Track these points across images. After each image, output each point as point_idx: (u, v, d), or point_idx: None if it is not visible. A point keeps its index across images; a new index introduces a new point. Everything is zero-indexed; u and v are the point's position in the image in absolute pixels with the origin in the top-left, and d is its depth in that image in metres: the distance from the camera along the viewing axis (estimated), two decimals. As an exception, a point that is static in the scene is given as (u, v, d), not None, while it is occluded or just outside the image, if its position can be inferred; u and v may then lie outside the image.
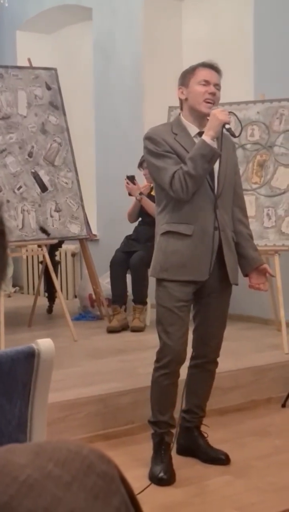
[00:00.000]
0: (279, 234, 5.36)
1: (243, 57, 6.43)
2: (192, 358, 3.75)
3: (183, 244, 3.49)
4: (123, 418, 4.19)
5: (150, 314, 6.38)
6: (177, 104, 5.86)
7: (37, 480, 0.67)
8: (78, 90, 8.35)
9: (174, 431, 3.66)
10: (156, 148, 3.48)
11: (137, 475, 3.44)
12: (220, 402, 4.45)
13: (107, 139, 7.80)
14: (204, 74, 3.49)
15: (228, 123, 3.41)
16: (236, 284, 3.65)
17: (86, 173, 7.38)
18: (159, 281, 3.58)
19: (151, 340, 5.68)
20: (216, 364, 3.80)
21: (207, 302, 3.63)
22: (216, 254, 3.50)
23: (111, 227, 7.50)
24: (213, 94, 3.47)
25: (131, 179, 6.29)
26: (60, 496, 0.66)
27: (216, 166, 3.51)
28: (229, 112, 3.49)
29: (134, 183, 6.30)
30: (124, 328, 6.17)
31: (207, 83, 3.47)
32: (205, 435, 3.82)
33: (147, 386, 4.28)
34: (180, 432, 3.77)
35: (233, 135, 3.46)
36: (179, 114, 3.62)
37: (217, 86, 3.52)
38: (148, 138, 3.53)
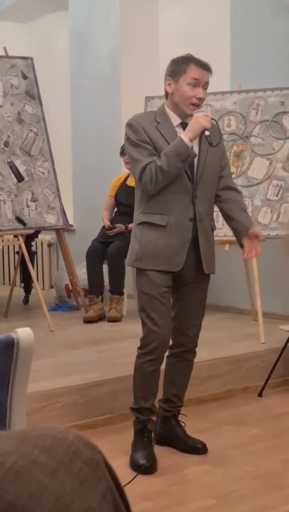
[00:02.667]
0: (255, 225, 5.36)
1: (219, 48, 6.43)
2: (170, 347, 3.74)
3: (157, 234, 3.52)
4: (100, 408, 4.19)
5: (127, 304, 6.38)
6: (154, 94, 5.89)
7: (23, 466, 0.66)
8: (54, 80, 8.32)
9: (154, 418, 3.68)
10: (134, 137, 3.47)
11: (116, 465, 3.42)
12: (197, 392, 4.46)
13: (83, 129, 7.77)
14: (195, 73, 3.46)
15: (208, 130, 3.42)
16: (212, 273, 3.69)
17: (63, 163, 7.35)
18: (138, 270, 3.61)
19: (128, 330, 5.70)
20: (194, 353, 3.81)
21: (184, 292, 3.66)
22: (191, 244, 3.53)
23: (88, 217, 7.48)
24: (201, 99, 3.48)
25: (111, 228, 6.30)
26: (46, 482, 0.66)
27: (196, 156, 3.52)
28: (212, 118, 3.51)
29: (115, 227, 6.30)
30: (101, 318, 6.16)
31: (197, 83, 3.45)
32: (183, 425, 3.82)
33: (125, 376, 4.30)
34: (158, 422, 3.77)
35: (210, 144, 3.44)
36: (164, 103, 3.60)
37: (207, 84, 3.52)
38: (128, 124, 3.52)
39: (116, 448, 3.73)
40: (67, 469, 0.70)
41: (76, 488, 0.69)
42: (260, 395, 4.73)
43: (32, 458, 0.69)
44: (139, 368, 3.64)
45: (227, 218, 3.72)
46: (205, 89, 3.52)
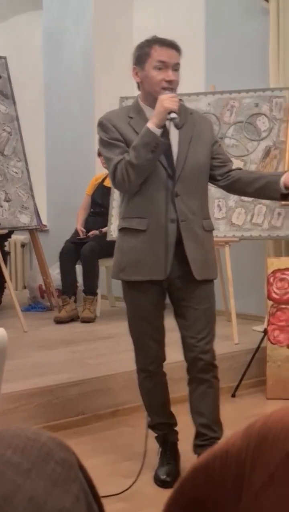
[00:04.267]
0: (229, 225, 5.39)
1: (194, 48, 6.43)
2: (187, 371, 3.40)
3: (137, 240, 3.21)
4: (73, 409, 4.18)
5: (101, 304, 6.38)
6: (128, 94, 5.88)
7: (-5, 467, 0.66)
8: (28, 79, 8.27)
9: (177, 428, 3.53)
10: (105, 136, 3.21)
11: (89, 466, 3.40)
12: (170, 393, 4.46)
13: (57, 128, 7.75)
14: (160, 54, 3.13)
15: (175, 111, 3.06)
16: (212, 278, 3.34)
17: (36, 162, 7.32)
18: (123, 283, 3.34)
19: (101, 330, 5.70)
20: (211, 372, 3.36)
21: (182, 305, 3.31)
22: (174, 249, 3.18)
23: (62, 217, 7.46)
24: (171, 81, 3.14)
25: (83, 238, 6.30)
26: (19, 483, 0.65)
27: (175, 149, 3.21)
28: (180, 99, 3.18)
29: (88, 236, 6.30)
30: (73, 319, 6.15)
31: (164, 65, 3.12)
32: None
33: (97, 376, 4.30)
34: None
35: (176, 126, 3.11)
36: (138, 97, 3.31)
37: (177, 65, 3.18)
38: (99, 124, 3.25)
39: (89, 449, 3.72)
40: (40, 469, 0.69)
41: (49, 488, 0.69)
42: (233, 395, 4.75)
43: (5, 458, 0.68)
44: (141, 385, 3.45)
45: (249, 183, 3.30)
46: (176, 70, 3.18)
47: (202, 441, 3.34)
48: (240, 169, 3.46)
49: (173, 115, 3.06)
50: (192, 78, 6.25)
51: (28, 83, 8.19)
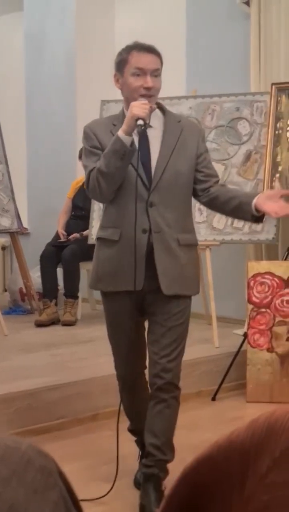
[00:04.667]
0: (210, 229, 5.40)
1: (175, 53, 6.44)
2: (149, 385, 3.25)
3: (112, 251, 3.13)
4: (54, 413, 4.17)
5: (82, 308, 6.37)
6: (110, 98, 5.89)
7: (-25, 475, 0.66)
8: (9, 82, 8.26)
9: None
10: (86, 144, 3.15)
11: (69, 471, 3.40)
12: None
13: (38, 131, 7.73)
14: (138, 60, 3.03)
15: (142, 118, 2.94)
16: (183, 294, 3.15)
17: (17, 165, 7.30)
18: (102, 294, 3.25)
19: (82, 334, 5.69)
20: (171, 392, 3.18)
21: (151, 319, 3.19)
22: (145, 260, 3.05)
23: (42, 220, 7.45)
24: (149, 88, 3.02)
25: (64, 241, 6.30)
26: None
27: (155, 157, 3.09)
28: (151, 106, 3.04)
29: (69, 240, 6.30)
30: (54, 322, 6.14)
31: (142, 71, 3.01)
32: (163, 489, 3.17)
33: (78, 380, 4.30)
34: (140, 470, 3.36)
35: (139, 134, 2.98)
36: (123, 105, 3.19)
37: (156, 71, 3.05)
38: (83, 132, 3.18)
39: (69, 453, 3.71)
40: (21, 477, 0.70)
41: (30, 496, 0.69)
42: (213, 399, 4.76)
43: (-16, 467, 0.68)
44: (120, 391, 3.31)
45: (225, 202, 3.16)
46: (156, 76, 3.05)
47: (150, 461, 3.19)
48: (222, 185, 3.33)
49: (140, 121, 2.94)
50: (174, 82, 6.26)
51: (9, 85, 8.19)
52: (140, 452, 3.47)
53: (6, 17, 8.47)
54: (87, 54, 7.30)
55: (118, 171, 2.99)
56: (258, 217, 3.10)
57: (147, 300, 3.14)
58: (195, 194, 3.24)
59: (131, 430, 3.46)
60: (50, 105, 7.54)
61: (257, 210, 3.04)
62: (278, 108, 5.22)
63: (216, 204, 3.22)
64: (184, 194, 3.16)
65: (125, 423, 3.42)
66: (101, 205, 3.43)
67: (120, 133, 2.97)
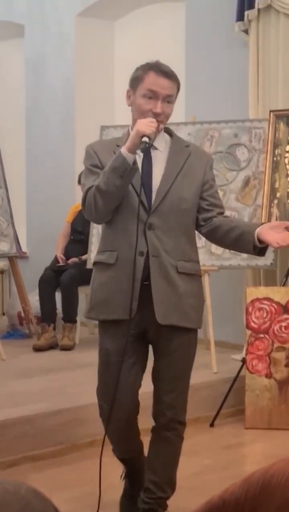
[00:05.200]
0: (208, 254, 5.41)
1: (174, 79, 6.49)
2: (153, 418, 3.13)
3: (107, 275, 2.95)
4: (51, 439, 4.15)
5: (80, 332, 6.36)
6: (109, 123, 5.92)
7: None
8: (8, 107, 8.31)
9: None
10: (86, 163, 3.01)
11: (66, 498, 3.41)
12: (148, 422, 4.45)
13: (37, 156, 7.76)
14: (153, 82, 2.88)
15: (148, 136, 2.79)
16: (183, 325, 2.97)
17: (17, 189, 7.33)
18: (99, 322, 3.08)
19: (80, 358, 5.68)
20: (175, 430, 3.07)
21: (155, 349, 3.04)
22: (140, 285, 2.89)
23: (41, 244, 7.46)
24: (158, 114, 2.88)
25: (63, 265, 6.30)
26: (-2, 536, 0.66)
27: (158, 179, 2.94)
28: (159, 125, 2.90)
29: (68, 264, 6.30)
30: (52, 346, 6.13)
31: (154, 95, 2.87)
32: None
33: (76, 406, 4.28)
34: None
35: (143, 151, 2.86)
36: (130, 125, 3.03)
37: (170, 98, 2.91)
38: (85, 151, 3.04)
39: (65, 480, 3.69)
40: (19, 522, 0.70)
41: None
42: (211, 425, 4.75)
43: (-17, 511, 0.69)
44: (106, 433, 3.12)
45: (227, 233, 3.00)
46: (168, 102, 2.91)
47: (149, 498, 3.10)
48: (226, 216, 3.14)
49: (144, 139, 2.79)
50: (173, 109, 6.31)
51: (9, 111, 8.24)
52: (124, 471, 3.32)
53: (7, 43, 8.53)
54: (86, 80, 7.35)
55: (117, 189, 2.83)
56: (260, 249, 2.95)
57: (150, 331, 2.97)
58: (197, 224, 3.07)
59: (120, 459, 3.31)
60: (49, 130, 7.58)
61: (259, 241, 2.90)
62: (276, 135, 5.26)
63: (217, 235, 3.04)
64: (186, 220, 2.99)
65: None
66: (100, 229, 3.29)
67: (123, 150, 2.82)
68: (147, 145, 2.81)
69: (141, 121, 2.83)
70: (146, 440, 3.18)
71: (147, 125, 2.81)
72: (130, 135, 2.84)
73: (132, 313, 2.89)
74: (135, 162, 2.83)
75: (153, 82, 2.88)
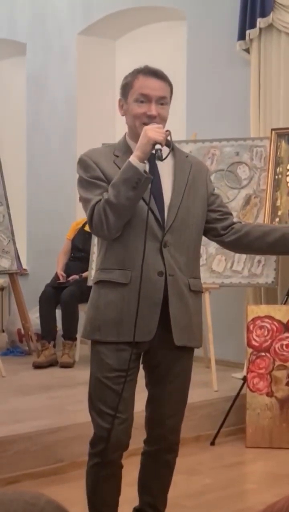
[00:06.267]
0: (209, 272, 5.41)
1: (176, 97, 6.44)
2: (145, 442, 3.00)
3: (118, 295, 2.76)
4: (52, 457, 4.13)
5: (80, 349, 6.35)
6: (110, 141, 5.94)
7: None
8: (10, 124, 8.34)
9: None
10: (85, 174, 2.79)
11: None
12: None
13: (38, 173, 7.78)
14: (142, 85, 2.77)
15: (160, 143, 2.67)
16: (195, 347, 2.92)
17: (17, 206, 7.33)
18: (93, 343, 2.86)
19: (80, 376, 5.65)
20: (174, 452, 3.01)
21: (157, 372, 2.89)
22: (160, 306, 2.76)
23: (42, 261, 7.46)
24: (153, 116, 2.75)
25: (63, 282, 6.30)
26: None
27: (168, 193, 2.82)
28: (167, 130, 2.77)
29: (68, 281, 6.30)
30: (51, 364, 6.11)
31: (147, 98, 2.76)
32: None
33: (77, 423, 4.26)
34: None
35: (159, 158, 2.68)
36: (125, 134, 2.91)
37: (163, 99, 2.78)
38: (79, 161, 2.84)
39: (65, 498, 3.64)
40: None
41: None
42: (212, 443, 4.72)
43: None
44: (89, 472, 2.92)
45: (261, 237, 2.91)
46: (162, 104, 2.78)
47: None
48: (240, 222, 3.06)
49: (158, 146, 2.66)
50: (174, 126, 6.31)
51: (10, 128, 8.26)
52: None
53: (10, 61, 8.57)
54: (88, 98, 7.38)
55: (130, 202, 2.67)
56: None
57: (152, 350, 2.84)
58: (216, 235, 2.96)
59: None
60: (51, 147, 7.60)
61: None
62: (278, 153, 5.27)
63: (246, 241, 2.93)
64: (194, 236, 2.88)
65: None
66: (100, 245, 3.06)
67: (133, 159, 2.67)
68: (159, 151, 2.67)
69: (149, 128, 2.68)
70: (132, 461, 3.09)
71: (157, 131, 2.67)
72: (139, 143, 2.69)
73: (149, 336, 2.76)
74: (146, 172, 2.69)
75: (143, 85, 2.77)
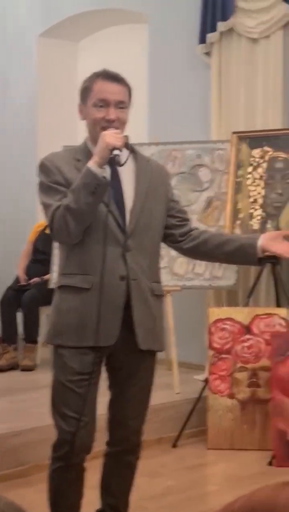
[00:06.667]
0: (171, 275, 5.43)
1: (137, 100, 6.47)
2: (107, 444, 3.02)
3: (80, 300, 2.77)
4: (15, 460, 4.11)
5: (41, 352, 6.31)
6: (72, 143, 5.92)
7: None
8: None
9: None
10: (46, 179, 2.79)
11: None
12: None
13: (-1, 177, 7.73)
14: (101, 90, 2.77)
15: (118, 148, 2.69)
16: (158, 350, 2.94)
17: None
18: (55, 347, 2.86)
19: (41, 379, 5.62)
20: (136, 454, 3.04)
21: (120, 375, 2.90)
22: (123, 311, 2.78)
23: (2, 264, 7.40)
24: (111, 121, 2.77)
25: (24, 285, 6.26)
26: None
27: (130, 198, 2.83)
28: (125, 135, 2.81)
29: (30, 284, 6.27)
30: (12, 367, 6.07)
31: (105, 103, 2.77)
32: None
33: (39, 426, 4.24)
34: None
35: (118, 163, 2.71)
36: (86, 137, 2.92)
37: (122, 103, 2.79)
38: (40, 165, 2.84)
39: (31, 501, 3.63)
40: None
41: None
42: (174, 446, 4.73)
43: None
44: (51, 476, 2.92)
45: (219, 246, 2.95)
46: (121, 108, 2.79)
47: None
48: (204, 230, 3.12)
49: (116, 151, 2.68)
50: (135, 129, 6.31)
51: None
52: None
53: None
54: (49, 100, 7.35)
55: (89, 207, 2.68)
56: (261, 259, 2.93)
57: (113, 355, 2.86)
58: (174, 241, 3.00)
59: None
60: (11, 149, 7.56)
61: (263, 251, 2.90)
62: (239, 156, 5.31)
63: (204, 249, 2.98)
64: (155, 240, 2.91)
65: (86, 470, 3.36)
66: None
67: (92, 164, 2.69)
68: (118, 157, 2.69)
69: (106, 133, 2.70)
70: (94, 464, 3.07)
71: (114, 137, 2.69)
72: (98, 149, 2.70)
73: (111, 340, 2.77)
74: (105, 177, 2.71)
75: (102, 89, 2.77)
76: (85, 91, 2.83)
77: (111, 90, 2.77)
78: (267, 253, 2.94)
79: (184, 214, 3.05)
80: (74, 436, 2.77)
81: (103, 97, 2.76)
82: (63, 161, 2.82)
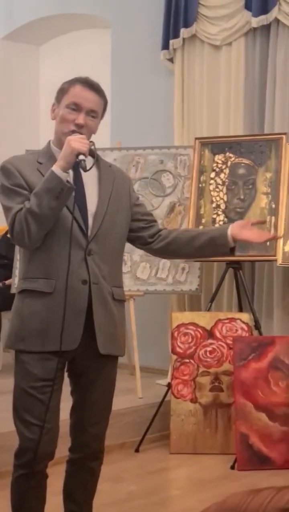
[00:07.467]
0: (134, 279, 5.43)
1: (100, 104, 6.52)
2: (69, 450, 2.98)
3: (42, 304, 2.74)
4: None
5: (2, 357, 6.27)
6: (33, 147, 5.89)
7: None
8: None
9: None
10: (7, 182, 2.76)
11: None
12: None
13: None
14: (77, 94, 2.78)
15: (84, 154, 2.67)
16: (118, 355, 2.91)
17: None
18: (17, 353, 2.82)
19: (3, 384, 5.56)
20: (99, 460, 3.00)
21: (82, 379, 2.87)
22: (85, 315, 2.75)
23: None
24: (80, 125, 2.76)
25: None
26: None
27: (93, 202, 2.82)
28: (90, 141, 2.79)
29: (4, 283, 6.24)
30: (-26, 373, 6.03)
31: (78, 107, 2.76)
32: None
33: (0, 432, 4.20)
34: None
35: (83, 169, 2.68)
36: (49, 141, 2.90)
37: (94, 113, 2.80)
38: (1, 168, 2.80)
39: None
40: None
41: None
42: (137, 450, 4.73)
43: None
44: (14, 485, 2.89)
45: (188, 242, 2.96)
46: (93, 117, 2.79)
47: None
48: (172, 229, 3.08)
49: (81, 157, 2.67)
50: (98, 134, 6.31)
51: None
52: None
53: None
54: (11, 103, 7.32)
55: (52, 212, 2.65)
56: (233, 248, 2.93)
57: (75, 360, 2.83)
58: (144, 243, 3.00)
59: None
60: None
61: (234, 240, 2.90)
62: (201, 161, 5.33)
63: (174, 248, 2.98)
64: (118, 245, 2.91)
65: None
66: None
67: (56, 168, 2.66)
68: (82, 163, 2.67)
69: (72, 138, 2.68)
70: (56, 470, 3.06)
71: (80, 142, 2.67)
72: (63, 153, 2.68)
73: (74, 344, 2.75)
74: (69, 181, 2.69)
75: (78, 94, 2.78)
76: (62, 92, 2.83)
77: (86, 97, 2.78)
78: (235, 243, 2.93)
79: (150, 216, 3.05)
80: (37, 444, 2.73)
81: (77, 101, 2.77)
82: (25, 164, 2.80)
